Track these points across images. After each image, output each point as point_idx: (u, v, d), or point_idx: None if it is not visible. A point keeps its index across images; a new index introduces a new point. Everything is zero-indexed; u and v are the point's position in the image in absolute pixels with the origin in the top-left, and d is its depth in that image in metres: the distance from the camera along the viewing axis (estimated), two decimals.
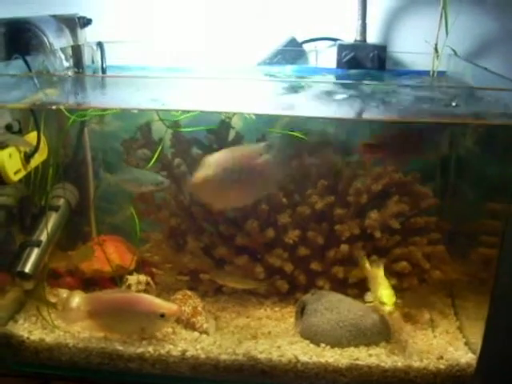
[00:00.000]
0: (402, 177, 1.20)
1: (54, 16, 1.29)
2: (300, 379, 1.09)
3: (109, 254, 1.21)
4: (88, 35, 1.41)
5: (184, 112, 1.12)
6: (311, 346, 1.11)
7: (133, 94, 1.01)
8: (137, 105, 0.98)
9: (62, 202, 1.18)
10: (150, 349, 1.09)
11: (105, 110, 1.14)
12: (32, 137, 1.06)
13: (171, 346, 1.10)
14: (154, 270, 1.27)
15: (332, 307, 1.13)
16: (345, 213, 1.20)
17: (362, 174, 1.21)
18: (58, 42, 1.28)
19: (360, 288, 1.23)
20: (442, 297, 1.28)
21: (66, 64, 1.31)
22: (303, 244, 1.22)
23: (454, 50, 1.34)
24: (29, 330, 1.12)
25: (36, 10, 1.31)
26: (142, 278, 1.18)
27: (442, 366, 1.07)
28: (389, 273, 1.22)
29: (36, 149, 1.03)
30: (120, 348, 1.09)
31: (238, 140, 1.20)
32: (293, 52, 1.45)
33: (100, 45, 1.36)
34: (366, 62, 1.35)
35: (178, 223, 1.21)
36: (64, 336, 1.11)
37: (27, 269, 1.07)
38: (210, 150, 1.21)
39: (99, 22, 1.39)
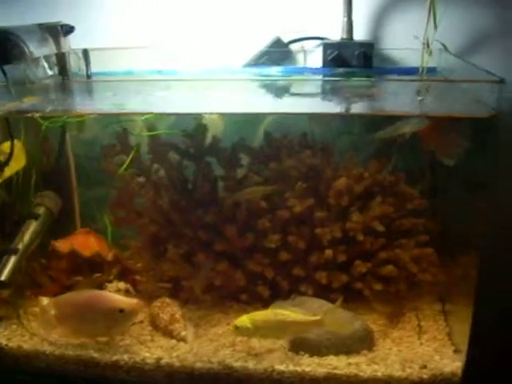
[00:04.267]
0: (386, 177, 1.16)
1: (37, 25, 1.30)
2: None
3: (90, 242, 1.22)
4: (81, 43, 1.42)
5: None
6: (289, 354, 1.08)
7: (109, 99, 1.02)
8: (109, 109, 0.98)
9: (42, 210, 1.19)
10: (125, 356, 1.08)
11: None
12: (7, 146, 1.07)
13: (147, 354, 1.08)
14: (137, 277, 1.26)
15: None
16: (326, 216, 1.16)
17: (343, 175, 1.17)
18: (41, 50, 1.29)
19: (345, 293, 1.20)
20: (432, 302, 1.23)
21: (49, 72, 1.32)
22: (285, 249, 1.19)
23: (443, 45, 1.29)
24: (8, 337, 1.12)
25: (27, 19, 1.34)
26: (122, 285, 1.18)
27: (424, 376, 1.02)
28: (375, 278, 1.19)
29: (9, 157, 1.04)
30: (95, 355, 1.09)
31: (215, 144, 1.18)
32: (279, 53, 1.42)
33: (85, 52, 1.37)
34: (352, 60, 1.32)
35: (157, 230, 1.20)
36: (42, 343, 1.11)
37: (3, 277, 1.08)
38: (187, 154, 1.20)
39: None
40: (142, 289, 1.23)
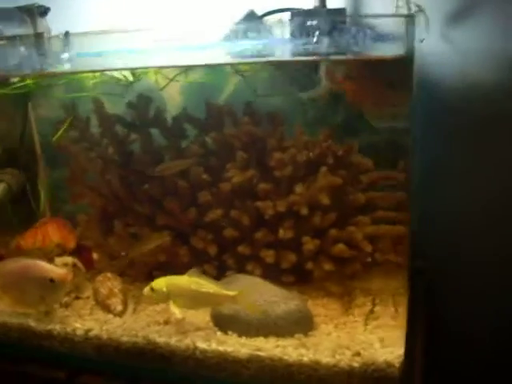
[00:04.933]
0: (332, 146, 1.05)
1: (16, 7, 1.36)
2: (201, 369, 0.98)
3: (51, 233, 1.23)
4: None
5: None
6: (218, 333, 1.01)
7: None
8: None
9: (1, 185, 1.23)
10: (58, 326, 1.07)
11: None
12: None
13: (77, 325, 1.06)
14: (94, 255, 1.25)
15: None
16: (270, 188, 1.08)
17: (290, 145, 1.08)
18: (17, 30, 1.34)
19: (298, 275, 1.10)
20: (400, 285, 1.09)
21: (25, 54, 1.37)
22: (229, 225, 1.12)
23: (419, 7, 1.15)
24: None
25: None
26: (69, 259, 1.17)
27: (355, 364, 0.90)
28: (327, 257, 1.08)
29: None
30: (32, 324, 1.09)
31: (160, 114, 1.15)
32: (252, 26, 1.37)
33: (66, 34, 1.40)
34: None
35: (104, 204, 1.18)
36: None
37: None
38: (133, 127, 1.17)
39: None
40: (96, 265, 1.23)
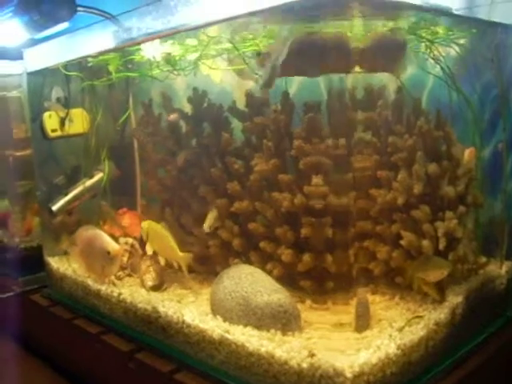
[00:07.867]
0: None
1: None
2: (187, 345, 1.00)
3: (123, 222, 1.42)
4: None
5: None
6: (209, 316, 1.01)
7: None
8: None
9: (99, 174, 1.47)
10: (103, 287, 1.22)
11: None
12: (74, 112, 1.42)
13: (115, 289, 1.20)
14: None
15: (235, 276, 1.00)
16: (288, 179, 1.03)
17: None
18: None
19: (317, 280, 1.02)
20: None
21: None
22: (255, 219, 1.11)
23: None
24: (57, 263, 1.41)
25: None
26: (129, 240, 1.34)
27: (304, 365, 0.80)
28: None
29: (65, 117, 1.37)
30: (89, 283, 1.27)
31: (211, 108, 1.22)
32: None
33: None
34: None
35: (160, 192, 1.30)
36: (69, 268, 1.36)
37: (54, 207, 1.40)
38: (192, 120, 1.26)
39: None
40: None
